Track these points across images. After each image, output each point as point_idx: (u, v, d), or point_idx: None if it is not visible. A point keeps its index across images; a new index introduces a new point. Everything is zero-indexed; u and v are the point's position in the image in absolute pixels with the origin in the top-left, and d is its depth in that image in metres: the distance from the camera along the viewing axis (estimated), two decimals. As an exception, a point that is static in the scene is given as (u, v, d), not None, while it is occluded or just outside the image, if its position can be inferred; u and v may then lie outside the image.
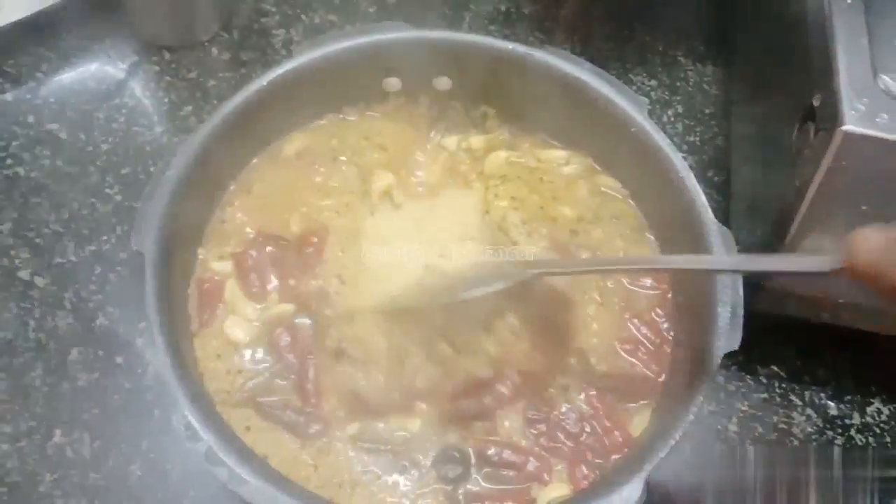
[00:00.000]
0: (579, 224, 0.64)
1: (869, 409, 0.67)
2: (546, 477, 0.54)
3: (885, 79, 0.53)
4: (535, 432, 0.55)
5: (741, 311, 0.54)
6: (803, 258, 0.53)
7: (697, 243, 0.58)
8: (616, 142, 0.64)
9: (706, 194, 0.59)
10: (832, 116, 0.51)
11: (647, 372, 0.58)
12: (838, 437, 0.65)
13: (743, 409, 0.66)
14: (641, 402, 0.57)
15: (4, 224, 0.69)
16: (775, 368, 0.68)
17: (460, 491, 0.53)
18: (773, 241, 0.59)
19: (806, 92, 0.56)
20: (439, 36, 0.65)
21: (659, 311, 0.61)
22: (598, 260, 0.62)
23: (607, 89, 0.63)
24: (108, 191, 0.71)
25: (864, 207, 0.54)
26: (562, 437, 0.55)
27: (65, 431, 0.60)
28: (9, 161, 0.72)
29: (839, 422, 0.66)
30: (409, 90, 0.67)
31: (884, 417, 0.66)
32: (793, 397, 0.67)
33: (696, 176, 0.60)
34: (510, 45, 0.64)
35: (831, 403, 0.67)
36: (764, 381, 0.67)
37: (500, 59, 0.65)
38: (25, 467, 0.58)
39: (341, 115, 0.67)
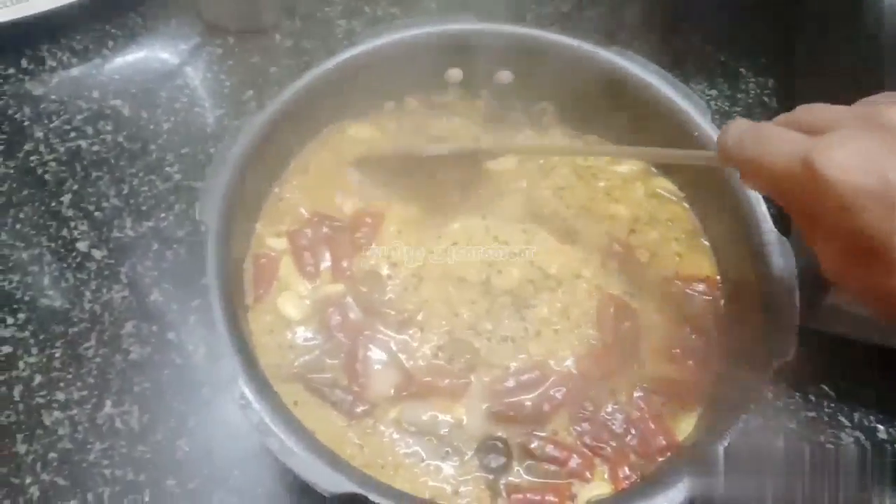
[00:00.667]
0: (636, 224, 0.64)
1: (919, 435, 0.66)
2: (588, 475, 0.54)
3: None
4: (579, 429, 0.55)
5: (796, 322, 0.53)
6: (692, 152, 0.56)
7: (754, 251, 0.57)
8: (676, 145, 0.63)
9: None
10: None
11: (697, 378, 0.58)
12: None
13: (790, 426, 0.65)
14: (688, 407, 0.57)
15: (65, 196, 0.70)
16: (825, 388, 0.67)
17: (502, 481, 0.53)
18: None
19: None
20: (507, 29, 0.65)
21: (711, 318, 0.60)
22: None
23: (672, 92, 0.63)
24: (167, 169, 0.72)
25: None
26: (606, 436, 0.55)
27: (115, 403, 0.61)
28: (72, 134, 0.73)
29: (888, 446, 0.65)
30: (470, 83, 0.67)
31: (934, 443, 0.65)
32: (841, 418, 0.66)
33: (753, 189, 0.60)
34: (577, 42, 0.64)
35: (881, 427, 0.66)
36: (813, 399, 0.66)
37: (566, 57, 0.64)
38: (76, 435, 0.59)
39: (403, 104, 0.68)
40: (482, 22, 0.65)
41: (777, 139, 0.42)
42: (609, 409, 0.56)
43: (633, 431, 0.55)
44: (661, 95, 0.63)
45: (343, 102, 0.65)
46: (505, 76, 0.67)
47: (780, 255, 0.56)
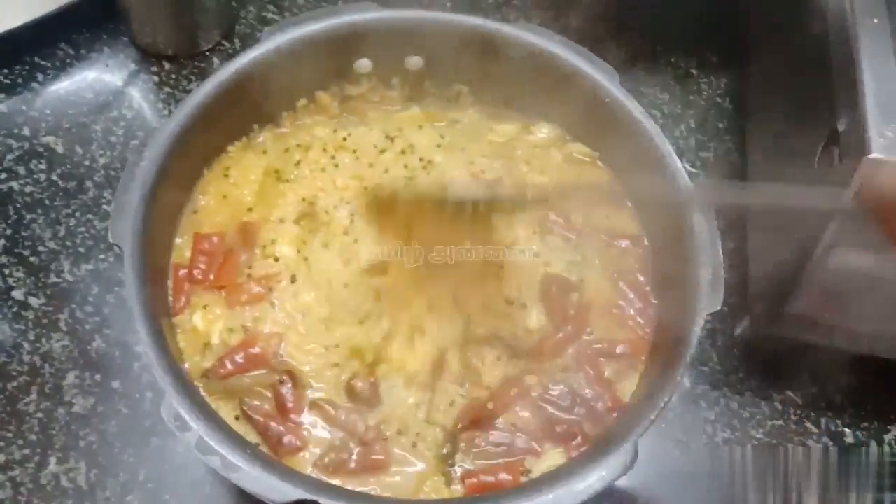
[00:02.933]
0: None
1: (887, 437, 0.65)
2: (538, 448, 0.54)
3: (915, 104, 0.51)
4: (526, 415, 0.55)
5: (722, 273, 0.54)
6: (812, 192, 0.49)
7: (674, 206, 0.58)
8: (589, 112, 0.64)
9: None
10: (858, 143, 0.49)
11: (636, 336, 0.58)
12: (855, 465, 0.63)
13: (758, 436, 0.64)
14: (632, 366, 0.57)
15: (-2, 241, 0.67)
16: (791, 394, 0.66)
17: (451, 469, 0.53)
18: (795, 261, 0.57)
19: (829, 114, 0.54)
20: (408, 15, 0.64)
21: (640, 276, 0.61)
22: None
23: (579, 60, 0.62)
24: (105, 207, 0.69)
25: (888, 235, 0.52)
26: (553, 410, 0.55)
27: (60, 460, 0.58)
28: (3, 175, 0.70)
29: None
30: (380, 72, 0.66)
31: (902, 445, 0.65)
32: (809, 424, 0.65)
33: (709, 194, 0.59)
34: (480, 21, 0.63)
35: (848, 431, 0.65)
36: (779, 407, 0.65)
37: (472, 36, 0.64)
38: (19, 497, 0.57)
39: (315, 99, 0.66)
40: (384, 8, 0.63)
41: None
42: (555, 390, 0.56)
43: (578, 401, 0.56)
44: (568, 65, 0.63)
45: (252, 104, 0.63)
46: (415, 62, 0.66)
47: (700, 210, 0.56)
